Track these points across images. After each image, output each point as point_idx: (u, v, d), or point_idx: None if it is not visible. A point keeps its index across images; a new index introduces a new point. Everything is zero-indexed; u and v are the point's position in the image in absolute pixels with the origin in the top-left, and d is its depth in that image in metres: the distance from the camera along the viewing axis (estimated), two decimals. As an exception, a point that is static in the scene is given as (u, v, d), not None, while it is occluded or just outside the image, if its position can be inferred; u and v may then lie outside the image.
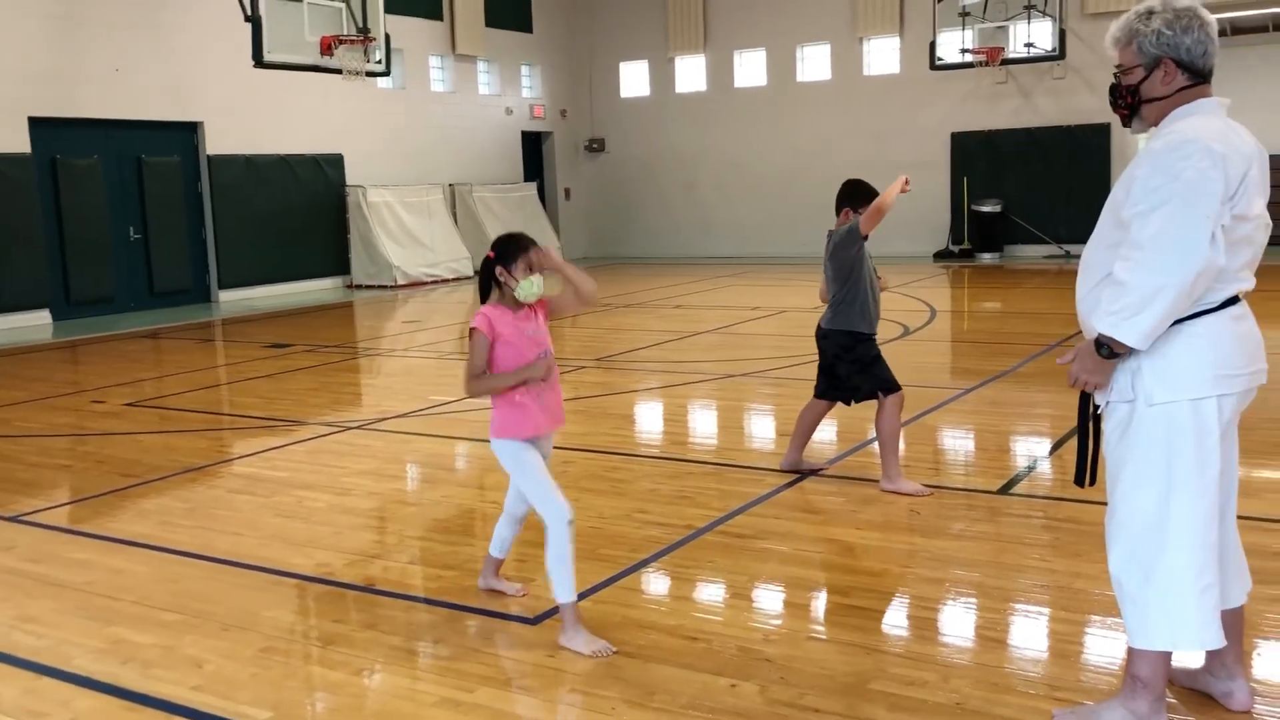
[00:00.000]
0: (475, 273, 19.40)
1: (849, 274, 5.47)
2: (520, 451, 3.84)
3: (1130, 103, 3.05)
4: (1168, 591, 2.91)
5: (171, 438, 7.44)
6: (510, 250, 3.77)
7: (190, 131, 16.48)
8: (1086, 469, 3.12)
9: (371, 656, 3.75)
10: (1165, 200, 2.79)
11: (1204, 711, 3.16)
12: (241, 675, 3.63)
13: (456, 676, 3.56)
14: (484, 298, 3.87)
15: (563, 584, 3.72)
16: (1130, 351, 2.91)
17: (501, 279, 3.79)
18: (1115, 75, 3.08)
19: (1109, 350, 2.90)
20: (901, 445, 6.46)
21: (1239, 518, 4.88)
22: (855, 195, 5.43)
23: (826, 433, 6.73)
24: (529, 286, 3.77)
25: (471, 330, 3.80)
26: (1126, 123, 3.12)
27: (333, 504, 5.66)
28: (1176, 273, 2.76)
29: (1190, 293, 2.79)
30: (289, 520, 5.40)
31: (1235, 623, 3.11)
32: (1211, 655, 3.15)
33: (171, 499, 5.88)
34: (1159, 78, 2.97)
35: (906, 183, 5.32)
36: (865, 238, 5.43)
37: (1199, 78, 2.97)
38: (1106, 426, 3.06)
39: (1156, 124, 3.01)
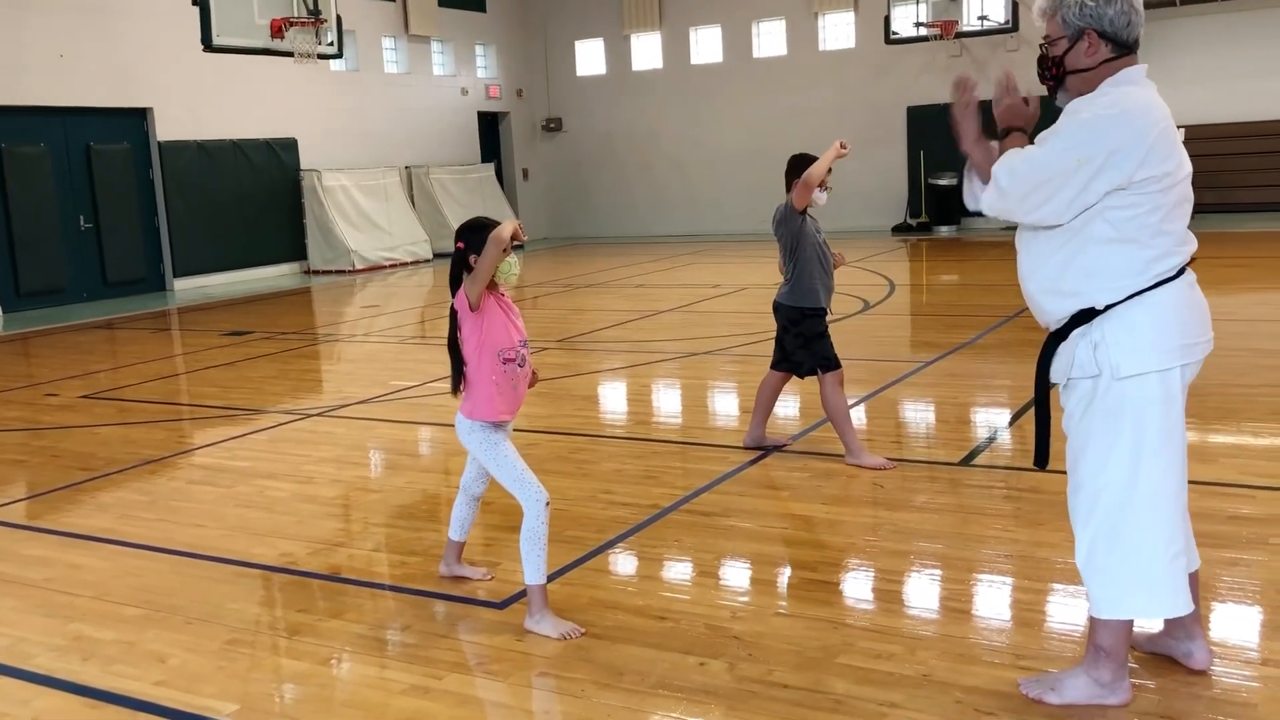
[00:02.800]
0: (435, 256, 19.40)
1: (793, 250, 5.49)
2: (491, 433, 3.82)
3: (1055, 74, 3.08)
4: (1140, 562, 2.93)
5: (129, 430, 7.33)
6: (480, 236, 3.71)
7: (140, 118, 16.20)
8: (1047, 449, 3.14)
9: (338, 646, 3.73)
10: (1055, 135, 2.91)
11: (1163, 674, 3.21)
12: (206, 669, 3.60)
13: (424, 663, 3.55)
14: (455, 288, 3.81)
15: (534, 566, 3.71)
16: (1076, 326, 2.96)
17: (475, 266, 3.72)
18: (1041, 46, 3.11)
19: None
20: (863, 419, 6.51)
21: (1195, 483, 4.96)
22: (799, 168, 5.43)
23: (789, 408, 6.76)
24: (507, 268, 3.74)
25: (464, 283, 3.73)
26: (1053, 95, 3.13)
27: (295, 493, 5.61)
28: (997, 196, 2.98)
29: (1002, 213, 3.00)
30: (251, 510, 5.34)
31: (1193, 585, 3.16)
32: (1171, 619, 3.20)
33: (131, 492, 5.80)
34: (1082, 49, 2.99)
35: (843, 147, 5.32)
36: (803, 213, 5.43)
37: (1124, 49, 2.96)
38: (1067, 403, 3.07)
39: (1082, 96, 3.01)
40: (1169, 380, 2.91)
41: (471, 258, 3.73)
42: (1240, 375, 7.11)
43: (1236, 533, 4.30)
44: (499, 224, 3.73)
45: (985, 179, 3.08)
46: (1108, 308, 2.93)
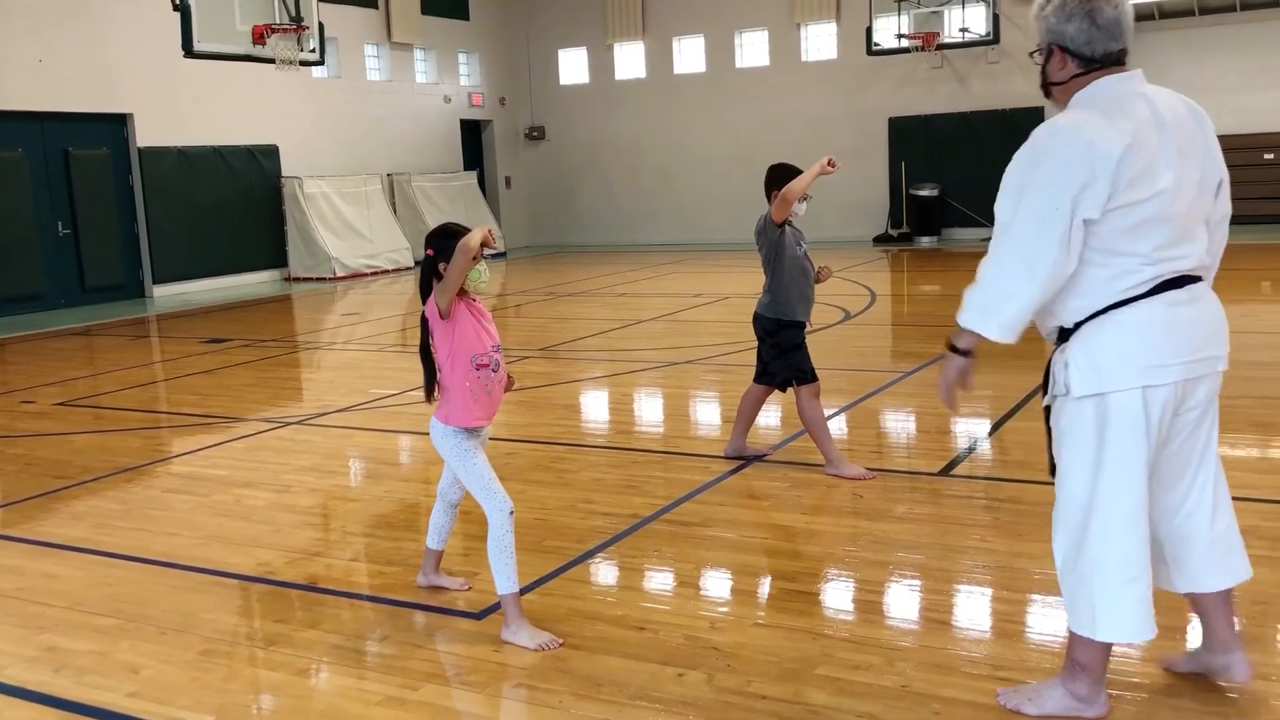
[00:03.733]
0: (416, 263, 19.32)
1: (772, 261, 5.49)
2: (464, 440, 3.81)
3: (1042, 84, 3.10)
4: (1094, 583, 2.92)
5: (105, 438, 7.27)
6: (451, 244, 3.69)
7: (119, 123, 16.10)
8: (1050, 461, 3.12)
9: (315, 656, 3.69)
10: (1022, 191, 2.86)
11: (1140, 685, 3.21)
12: (180, 680, 3.56)
13: (401, 674, 3.52)
14: (425, 296, 3.80)
15: (504, 576, 3.69)
16: (1059, 342, 2.95)
17: (444, 274, 3.71)
18: (1031, 55, 3.14)
19: (959, 345, 3.03)
20: (843, 428, 6.52)
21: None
22: (779, 179, 5.42)
23: (770, 418, 6.75)
24: (476, 276, 3.72)
25: (434, 290, 3.73)
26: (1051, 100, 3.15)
27: (273, 501, 5.57)
28: (1024, 282, 2.85)
29: (1043, 294, 2.86)
30: (228, 519, 5.30)
31: (1221, 603, 3.11)
32: (1207, 633, 3.16)
33: (106, 500, 5.75)
34: (1055, 63, 3.01)
35: (830, 164, 5.31)
36: (783, 225, 5.43)
37: (1090, 64, 2.94)
38: (1051, 420, 3.06)
39: (1065, 107, 3.02)
40: (1128, 401, 2.85)
41: (441, 265, 3.71)
42: (1223, 388, 7.14)
43: (1214, 543, 4.31)
44: (469, 230, 3.71)
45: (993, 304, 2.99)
46: (1077, 326, 2.92)
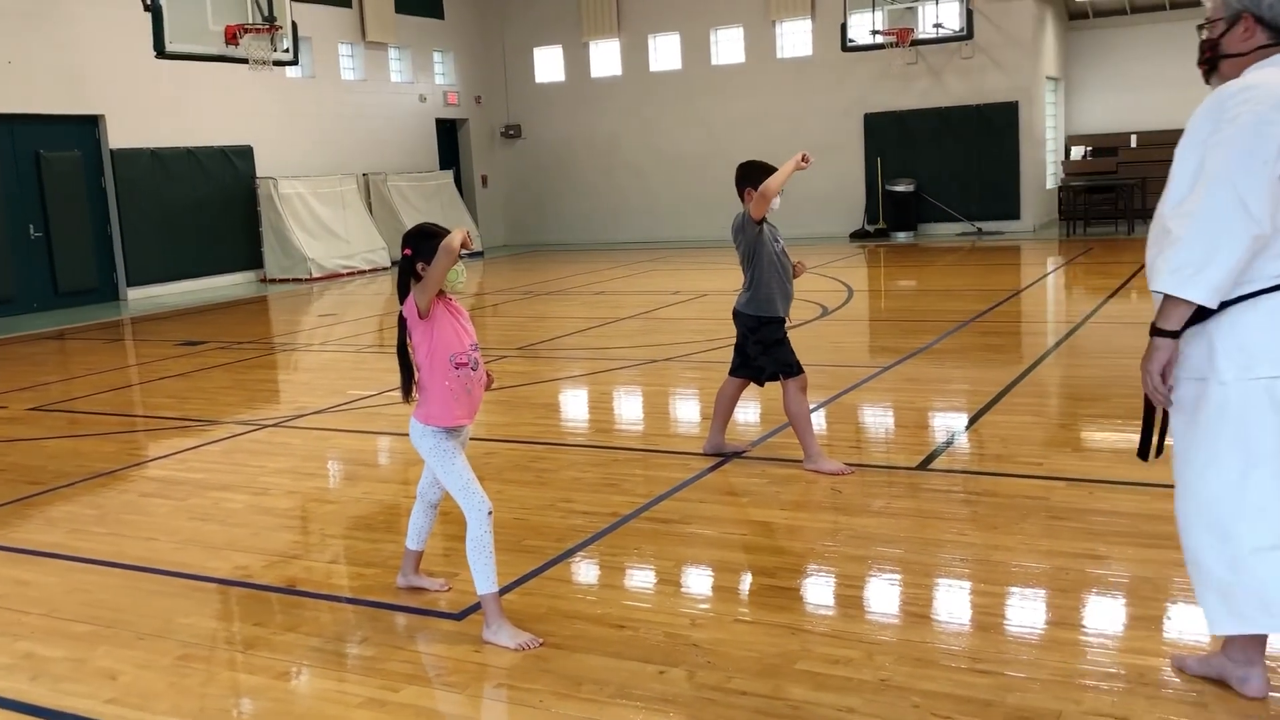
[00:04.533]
0: (393, 263, 19.27)
1: (750, 258, 5.50)
2: (444, 440, 3.80)
3: (1209, 56, 2.96)
4: (1256, 573, 2.81)
5: (80, 442, 7.21)
6: (429, 244, 3.68)
7: (91, 125, 15.96)
8: (1151, 445, 3.01)
9: (294, 659, 3.68)
10: (1218, 145, 2.71)
11: (1115, 675, 3.24)
12: (158, 685, 3.54)
13: (381, 676, 3.51)
14: (403, 296, 3.78)
15: (484, 576, 3.69)
16: (1191, 324, 2.79)
17: (423, 274, 3.70)
18: (1200, 28, 2.99)
19: (1166, 326, 2.79)
20: (822, 424, 6.54)
21: (1148, 485, 5.02)
22: (751, 176, 5.42)
23: (749, 414, 6.77)
24: (455, 276, 3.71)
25: (412, 291, 3.71)
26: (1207, 79, 3.01)
27: (250, 504, 5.54)
28: (1235, 228, 2.65)
29: (1250, 252, 2.67)
30: (205, 523, 5.27)
31: None
32: (1230, 638, 3.06)
33: (80, 506, 5.70)
34: (1238, 33, 2.88)
35: (804, 159, 5.32)
36: (760, 222, 5.44)
37: (1279, 36, 2.82)
38: (1176, 402, 2.94)
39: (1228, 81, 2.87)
40: (1276, 389, 2.76)
41: (419, 265, 3.71)
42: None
43: (1188, 534, 4.35)
44: (448, 231, 3.70)
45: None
46: (1222, 307, 2.79)
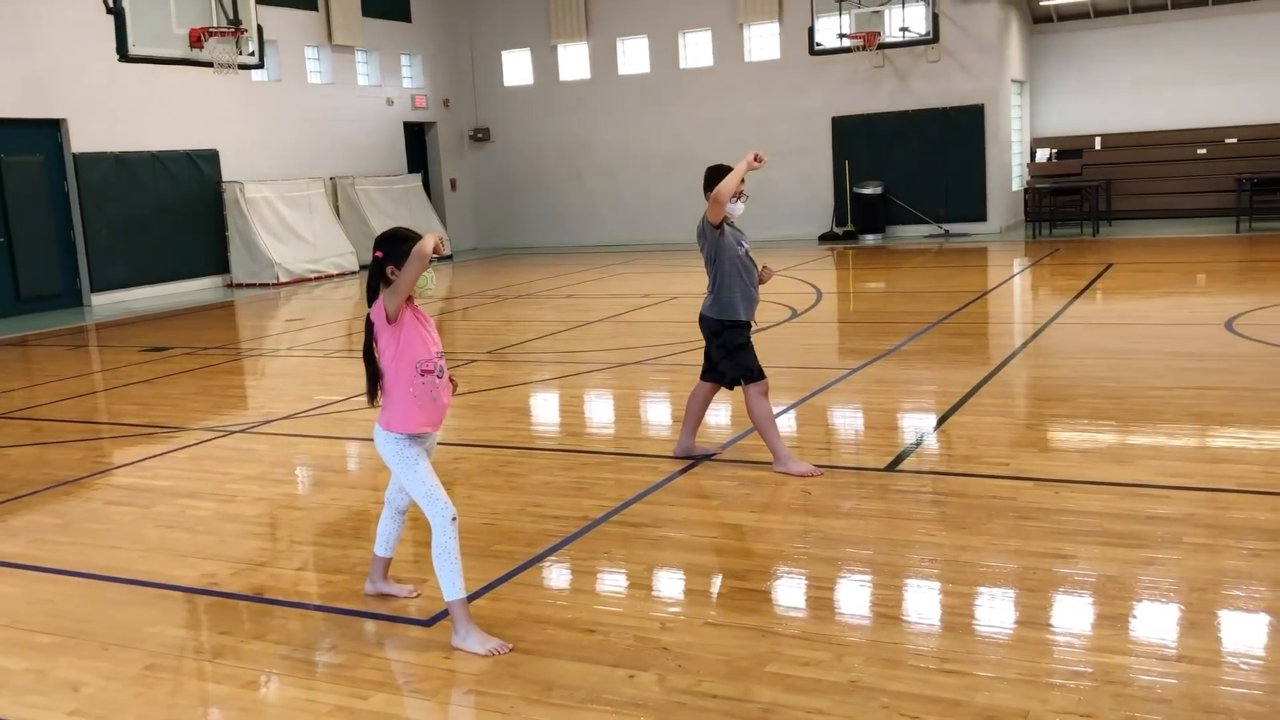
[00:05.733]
0: (362, 267, 19.15)
1: (712, 261, 5.51)
2: (408, 446, 3.79)
3: None
4: None
5: (43, 450, 7.12)
6: (400, 247, 3.67)
7: (53, 129, 15.76)
8: None
9: (262, 667, 3.65)
10: None
11: (1081, 673, 3.26)
12: (123, 696, 3.49)
13: (350, 683, 3.48)
14: (371, 299, 3.77)
15: (450, 582, 3.67)
16: None
17: (393, 277, 3.69)
18: None
19: None
20: (792, 426, 6.56)
21: (1114, 484, 5.08)
22: (713, 180, 5.42)
23: (719, 417, 6.78)
24: (424, 282, 3.70)
25: (381, 293, 3.71)
26: None
27: (217, 512, 5.49)
28: None
29: None
30: (171, 531, 5.21)
31: None
32: None
33: (44, 515, 5.63)
34: None
35: (756, 160, 5.33)
36: (719, 227, 5.44)
37: None
38: None
39: None
40: None
41: (390, 269, 3.70)
42: (1156, 378, 7.30)
43: (1153, 532, 4.41)
44: (420, 236, 3.69)
45: None
46: None
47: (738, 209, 5.42)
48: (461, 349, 10.25)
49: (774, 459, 5.56)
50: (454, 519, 3.72)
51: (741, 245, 5.54)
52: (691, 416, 5.84)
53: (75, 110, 15.80)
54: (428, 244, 3.59)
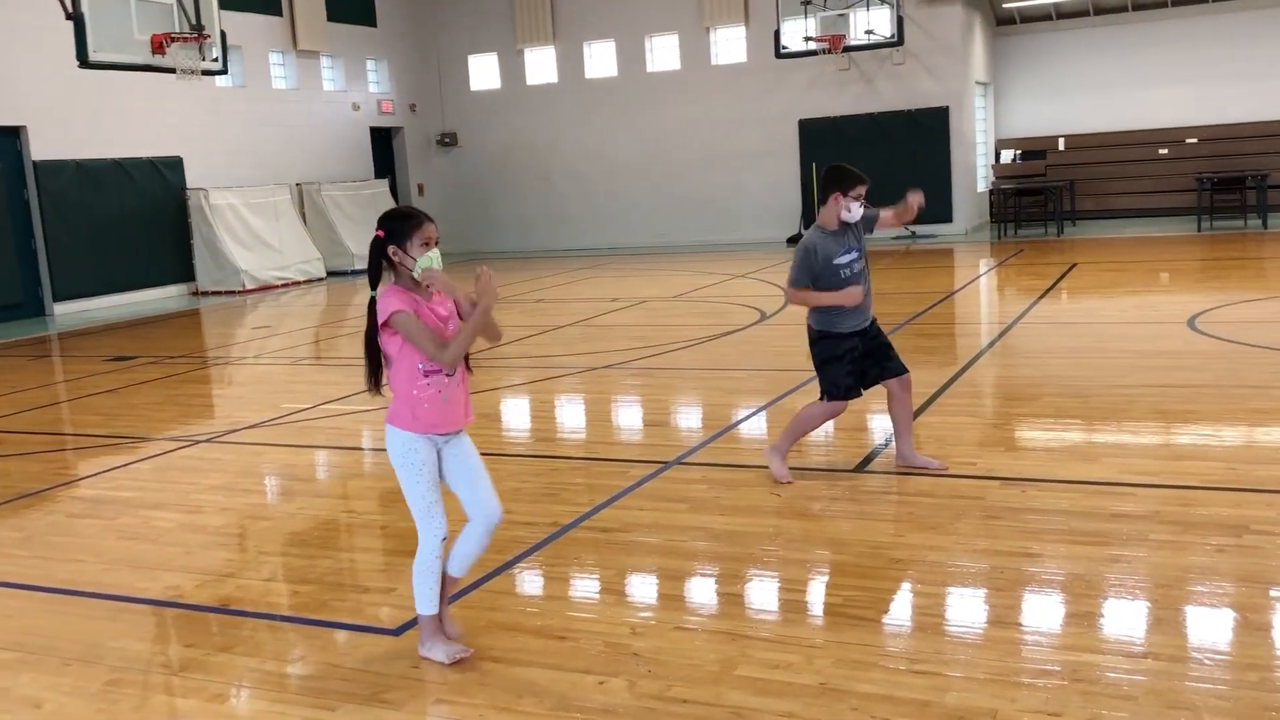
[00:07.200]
0: (329, 274, 19.04)
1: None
2: (414, 452, 3.51)
3: None
4: None
5: (4, 462, 7.02)
6: (403, 226, 3.44)
7: (13, 137, 15.56)
8: None
9: (229, 680, 3.60)
10: None
11: (1049, 671, 3.28)
12: (86, 712, 3.44)
13: (317, 694, 3.45)
14: (374, 282, 3.50)
15: (425, 598, 3.61)
16: None
17: (396, 259, 3.45)
18: None
19: None
20: (763, 427, 6.56)
21: (1080, 483, 5.12)
22: (831, 181, 5.24)
23: (690, 420, 6.78)
24: (427, 262, 3.44)
25: (391, 316, 3.38)
26: None
27: (182, 523, 5.43)
28: None
29: None
30: (135, 543, 5.15)
31: None
32: None
33: (4, 528, 5.54)
34: None
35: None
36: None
37: None
38: None
39: None
40: None
41: (391, 248, 3.44)
42: (1121, 376, 7.37)
43: (1119, 530, 4.44)
44: (426, 215, 3.47)
45: None
46: None
47: (855, 214, 5.18)
48: (430, 355, 10.17)
49: (770, 446, 5.50)
50: (444, 539, 3.54)
51: (851, 251, 5.25)
52: (897, 423, 5.55)
53: (35, 118, 15.60)
54: (489, 299, 3.43)
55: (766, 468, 5.57)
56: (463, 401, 3.59)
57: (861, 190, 5.20)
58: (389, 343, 3.50)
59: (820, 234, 5.24)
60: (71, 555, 5.03)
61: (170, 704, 3.49)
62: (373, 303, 3.48)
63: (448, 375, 3.51)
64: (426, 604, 3.62)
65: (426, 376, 3.48)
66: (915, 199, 5.30)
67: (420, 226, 3.47)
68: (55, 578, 4.72)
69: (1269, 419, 6.08)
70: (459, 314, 3.58)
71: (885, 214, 5.39)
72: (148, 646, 3.97)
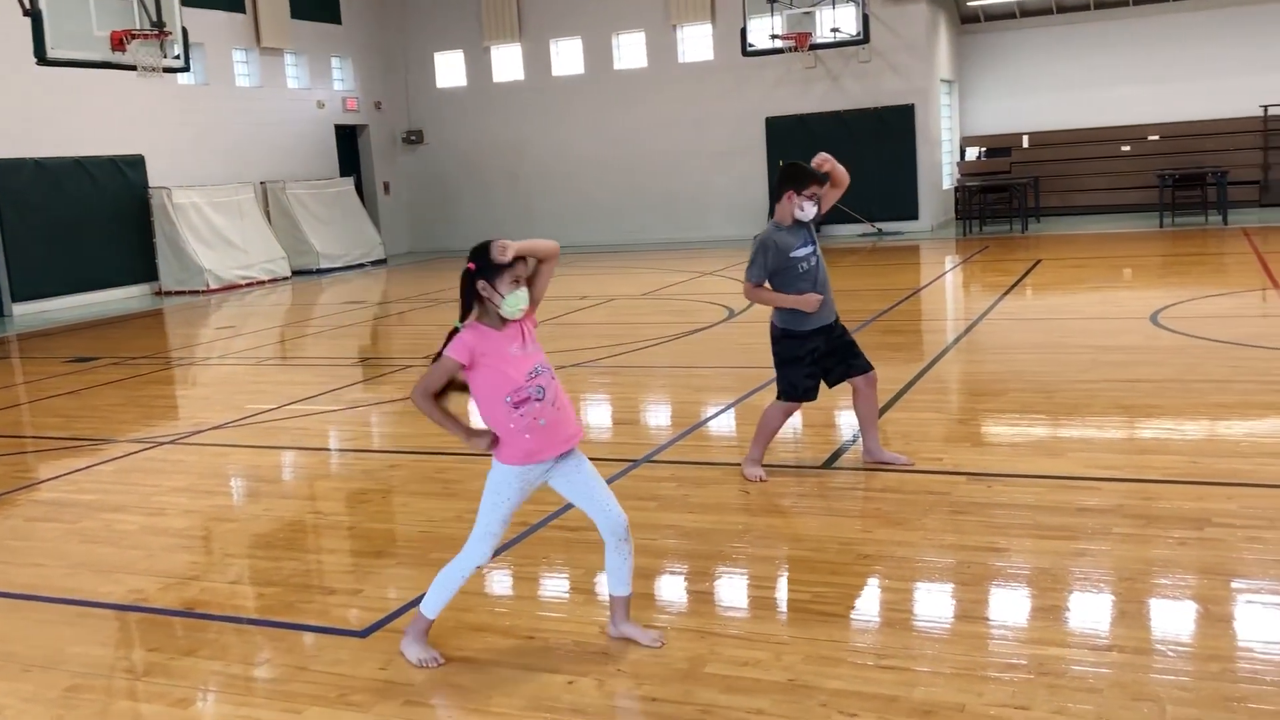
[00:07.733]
0: (294, 273, 18.89)
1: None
2: (507, 484, 3.55)
3: None
4: None
5: (-38, 466, 6.90)
6: (495, 263, 3.40)
7: (-31, 135, 15.33)
8: None
9: (193, 684, 3.56)
10: None
11: (1015, 666, 3.30)
12: (45, 719, 3.39)
13: (283, 698, 3.41)
14: (464, 314, 3.51)
15: (435, 601, 3.61)
16: None
17: (485, 295, 3.44)
18: None
19: None
20: (731, 425, 6.57)
21: (1045, 477, 5.16)
22: (786, 179, 5.28)
23: (659, 418, 6.77)
24: (514, 303, 3.43)
25: (441, 354, 3.46)
26: None
27: (145, 525, 5.36)
28: None
29: None
30: (97, 546, 5.08)
31: None
32: None
33: (-37, 533, 5.45)
34: None
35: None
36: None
37: None
38: None
39: None
40: None
41: (480, 282, 3.42)
42: (1084, 371, 7.43)
43: (1083, 524, 4.48)
44: (520, 257, 3.41)
45: None
46: None
47: (808, 213, 5.20)
48: (398, 353, 10.13)
49: (746, 458, 5.51)
50: (479, 567, 3.58)
51: (807, 245, 5.26)
52: (862, 419, 5.57)
53: (-8, 115, 15.37)
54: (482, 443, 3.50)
55: (736, 465, 5.58)
56: (562, 421, 3.58)
57: (816, 190, 5.26)
58: (471, 381, 3.54)
59: (776, 229, 5.28)
60: (32, 559, 4.95)
61: (134, 709, 3.44)
62: (452, 333, 3.50)
63: (536, 400, 3.50)
64: (432, 608, 3.61)
65: (517, 408, 3.49)
66: (820, 160, 5.39)
67: (511, 266, 3.42)
68: (15, 582, 4.65)
69: (1230, 413, 6.15)
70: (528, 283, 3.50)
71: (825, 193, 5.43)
72: (110, 651, 3.91)
